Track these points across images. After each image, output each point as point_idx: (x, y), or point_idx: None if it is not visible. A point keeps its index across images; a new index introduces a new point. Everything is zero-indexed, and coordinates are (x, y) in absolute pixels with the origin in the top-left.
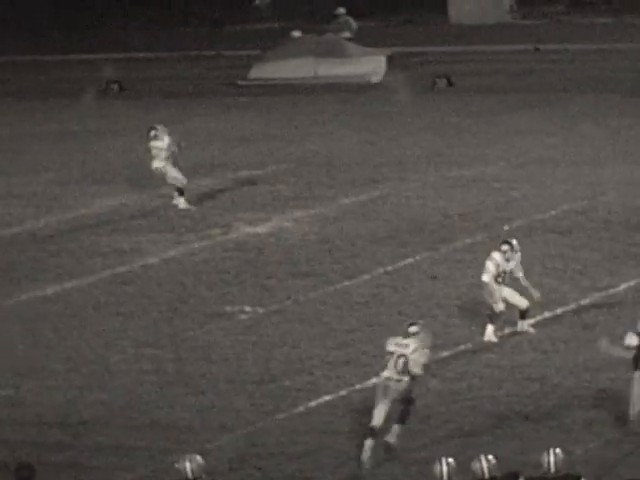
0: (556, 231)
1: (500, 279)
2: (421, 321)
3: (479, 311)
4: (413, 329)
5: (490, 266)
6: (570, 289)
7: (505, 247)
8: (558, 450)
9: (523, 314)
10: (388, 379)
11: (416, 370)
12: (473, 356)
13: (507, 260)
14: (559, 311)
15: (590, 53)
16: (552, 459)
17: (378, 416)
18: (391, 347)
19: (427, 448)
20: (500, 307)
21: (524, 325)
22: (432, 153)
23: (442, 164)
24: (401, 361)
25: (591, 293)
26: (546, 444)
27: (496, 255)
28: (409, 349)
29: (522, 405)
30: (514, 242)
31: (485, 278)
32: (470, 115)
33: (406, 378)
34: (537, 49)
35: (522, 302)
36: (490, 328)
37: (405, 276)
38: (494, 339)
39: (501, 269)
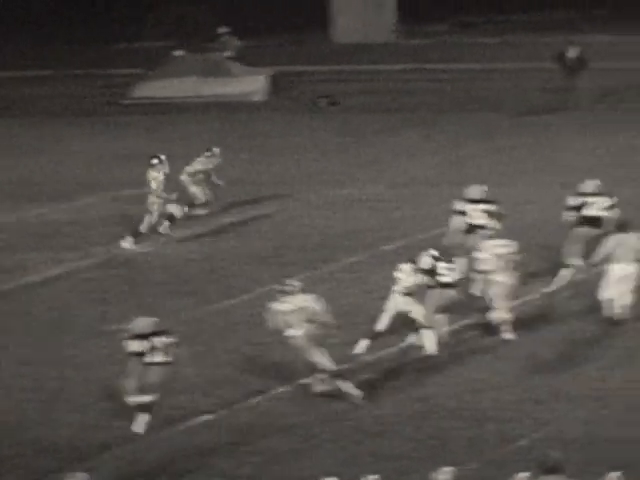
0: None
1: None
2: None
3: (359, 330)
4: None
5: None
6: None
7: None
8: (448, 469)
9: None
10: None
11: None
12: (352, 376)
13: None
14: (444, 330)
15: (474, 73)
16: (441, 478)
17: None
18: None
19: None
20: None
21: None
22: (314, 172)
23: (324, 183)
24: None
25: (471, 313)
26: (428, 464)
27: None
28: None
29: (404, 425)
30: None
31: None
32: (352, 134)
33: None
34: None
35: (420, 313)
36: (365, 342)
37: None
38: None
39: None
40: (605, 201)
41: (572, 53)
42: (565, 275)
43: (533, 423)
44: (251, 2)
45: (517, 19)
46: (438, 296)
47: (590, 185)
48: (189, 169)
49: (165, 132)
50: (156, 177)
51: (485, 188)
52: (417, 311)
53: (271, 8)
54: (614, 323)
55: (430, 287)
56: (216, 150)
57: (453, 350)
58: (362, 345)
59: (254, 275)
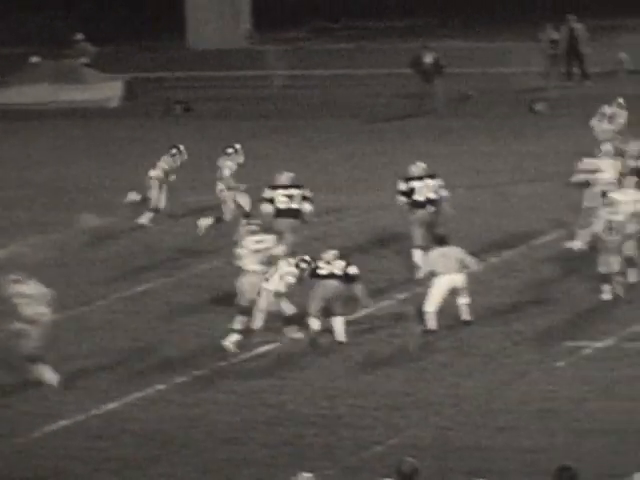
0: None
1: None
2: None
3: (217, 337)
4: None
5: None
6: None
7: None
8: (307, 475)
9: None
10: None
11: None
12: (209, 382)
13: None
14: (297, 337)
15: (329, 79)
16: None
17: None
18: None
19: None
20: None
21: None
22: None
23: (178, 190)
24: None
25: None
26: (283, 470)
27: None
28: None
29: (259, 431)
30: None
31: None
32: (207, 141)
33: None
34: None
35: (290, 308)
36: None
37: (141, 302)
38: (297, 335)
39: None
40: (435, 183)
41: (428, 59)
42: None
43: (388, 429)
44: (107, 9)
45: (372, 25)
46: (322, 289)
47: (419, 168)
48: (154, 172)
49: (19, 138)
50: (230, 166)
51: (292, 175)
52: (289, 308)
53: (126, 15)
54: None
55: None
56: (181, 148)
57: (308, 356)
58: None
59: (109, 281)
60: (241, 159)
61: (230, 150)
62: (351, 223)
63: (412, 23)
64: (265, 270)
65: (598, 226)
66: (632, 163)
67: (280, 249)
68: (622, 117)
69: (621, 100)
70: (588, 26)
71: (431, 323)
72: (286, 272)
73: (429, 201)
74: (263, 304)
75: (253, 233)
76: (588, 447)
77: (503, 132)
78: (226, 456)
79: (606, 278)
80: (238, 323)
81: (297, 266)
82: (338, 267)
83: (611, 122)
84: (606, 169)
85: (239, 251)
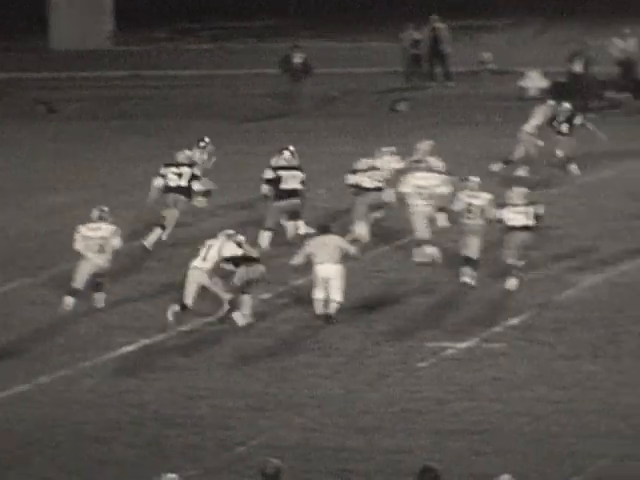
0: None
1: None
2: None
3: (77, 337)
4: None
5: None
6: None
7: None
8: (171, 475)
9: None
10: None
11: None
12: (74, 381)
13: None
14: (160, 337)
15: (193, 79)
16: None
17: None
18: None
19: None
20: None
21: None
22: (32, 179)
23: (39, 190)
24: None
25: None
26: (147, 471)
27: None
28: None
29: (123, 431)
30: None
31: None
32: (71, 141)
33: None
34: None
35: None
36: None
37: (4, 302)
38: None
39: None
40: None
41: (297, 59)
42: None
43: (251, 430)
44: None
45: (236, 25)
46: (244, 272)
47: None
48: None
49: None
50: (201, 158)
51: (189, 153)
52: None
53: None
54: (328, 321)
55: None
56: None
57: (171, 356)
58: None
59: None
60: (211, 151)
61: (202, 143)
62: (210, 223)
63: (280, 23)
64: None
65: (457, 206)
66: None
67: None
68: None
69: None
70: (451, 26)
71: (319, 309)
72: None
73: (293, 191)
74: (193, 285)
75: (91, 221)
76: (451, 448)
77: (366, 132)
78: (90, 456)
79: (468, 261)
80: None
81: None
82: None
83: None
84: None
85: (75, 235)
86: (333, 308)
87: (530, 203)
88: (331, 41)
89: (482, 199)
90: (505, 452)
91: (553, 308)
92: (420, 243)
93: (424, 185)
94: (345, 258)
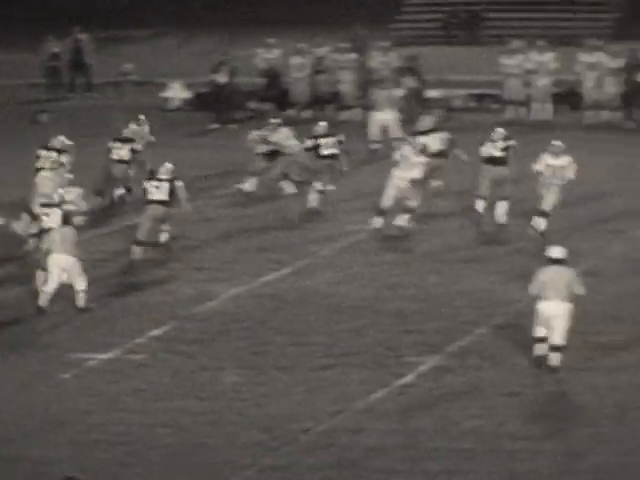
0: None
1: None
2: None
3: None
4: None
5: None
6: None
7: None
8: None
9: None
10: None
11: None
12: None
13: None
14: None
15: None
16: None
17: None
18: None
19: None
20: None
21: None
22: None
23: None
24: None
25: None
26: None
27: None
28: None
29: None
30: None
31: None
32: None
33: None
34: None
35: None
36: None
37: None
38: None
39: None
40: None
41: None
42: None
43: None
44: None
45: None
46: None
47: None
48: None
49: None
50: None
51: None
52: None
53: None
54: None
55: None
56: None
57: None
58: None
59: None
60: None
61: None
62: None
63: None
64: None
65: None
66: None
67: None
68: None
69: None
70: (94, 37)
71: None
72: None
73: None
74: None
75: None
76: (95, 458)
77: (8, 142)
78: None
79: None
80: None
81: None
82: None
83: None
84: None
85: None
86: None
87: None
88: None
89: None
90: (149, 463)
91: (195, 320)
92: None
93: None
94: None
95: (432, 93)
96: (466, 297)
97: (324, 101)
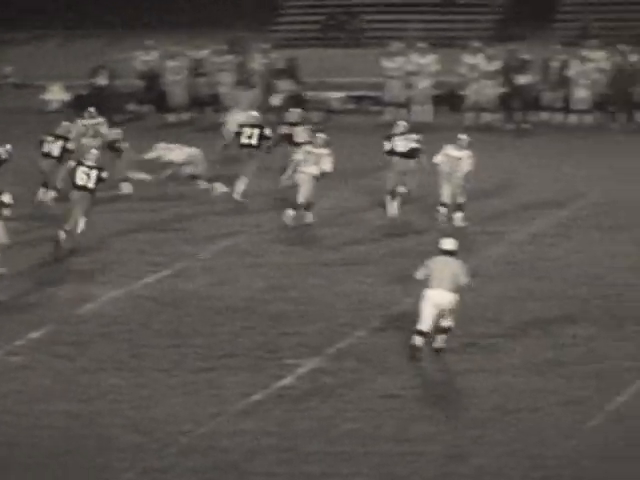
0: None
1: None
2: None
3: None
4: None
5: None
6: None
7: None
8: None
9: None
10: None
11: None
12: None
13: None
14: None
15: None
16: None
17: None
18: None
19: None
20: None
21: None
22: None
23: None
24: None
25: None
26: None
27: None
28: None
29: None
30: None
31: None
32: None
33: None
34: None
35: None
36: None
37: None
38: None
39: None
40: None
41: None
42: None
43: None
44: None
45: None
46: None
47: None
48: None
49: None
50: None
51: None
52: None
53: None
54: None
55: None
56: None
57: None
58: None
59: None
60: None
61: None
62: None
63: None
64: None
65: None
66: None
67: None
68: None
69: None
70: None
71: None
72: None
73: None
74: None
75: None
76: None
77: None
78: None
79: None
80: None
81: None
82: None
83: None
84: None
85: None
86: None
87: None
88: None
89: None
90: (27, 466)
91: (74, 322)
92: None
93: None
94: None
95: (311, 95)
96: (346, 299)
97: (203, 103)
